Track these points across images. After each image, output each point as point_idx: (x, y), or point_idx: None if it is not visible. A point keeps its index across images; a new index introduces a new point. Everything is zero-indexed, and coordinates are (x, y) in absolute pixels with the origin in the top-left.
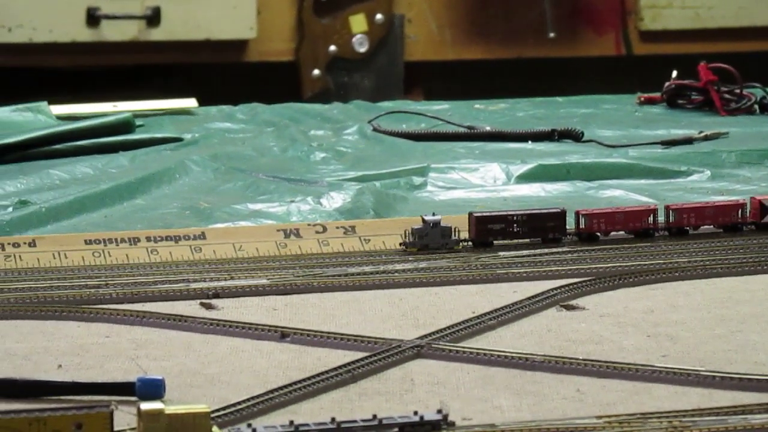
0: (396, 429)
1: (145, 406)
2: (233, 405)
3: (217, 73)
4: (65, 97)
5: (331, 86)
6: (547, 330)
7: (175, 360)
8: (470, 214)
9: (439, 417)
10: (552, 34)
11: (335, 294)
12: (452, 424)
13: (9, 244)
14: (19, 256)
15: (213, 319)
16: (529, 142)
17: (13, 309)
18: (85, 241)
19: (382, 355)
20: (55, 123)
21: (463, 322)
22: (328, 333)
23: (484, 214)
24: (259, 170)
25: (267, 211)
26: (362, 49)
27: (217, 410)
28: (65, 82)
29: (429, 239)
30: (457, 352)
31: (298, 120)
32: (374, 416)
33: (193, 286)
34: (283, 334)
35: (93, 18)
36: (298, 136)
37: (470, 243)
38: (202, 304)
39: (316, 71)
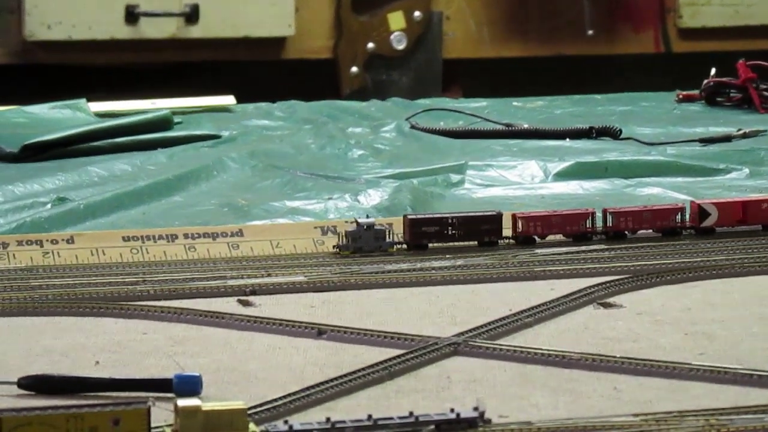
0: (432, 426)
1: (182, 402)
2: (270, 402)
3: (256, 70)
4: (104, 94)
5: (369, 83)
6: (584, 328)
7: (212, 357)
8: (405, 216)
9: (475, 414)
10: (590, 32)
11: (372, 291)
12: (489, 421)
13: (47, 240)
14: (58, 253)
15: (250, 316)
16: (567, 139)
17: (51, 305)
18: (123, 237)
19: (418, 353)
20: (94, 120)
21: (500, 319)
22: (365, 330)
23: (418, 216)
24: (296, 167)
25: (304, 208)
26: (400, 47)
27: (254, 407)
28: (104, 79)
29: (363, 242)
30: (494, 349)
31: (336, 117)
32: (411, 413)
33: (231, 283)
34: (320, 331)
35: (132, 15)
36: (335, 134)
37: (404, 246)
38: (239, 301)
39: (355, 68)
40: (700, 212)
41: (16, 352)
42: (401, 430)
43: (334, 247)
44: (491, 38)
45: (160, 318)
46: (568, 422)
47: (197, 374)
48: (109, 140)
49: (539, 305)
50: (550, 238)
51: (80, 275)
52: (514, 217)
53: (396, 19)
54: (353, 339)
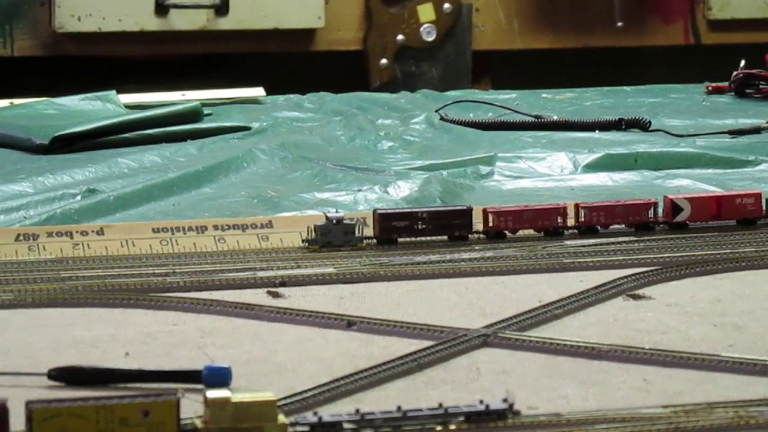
0: (462, 418)
1: (212, 394)
2: (299, 393)
3: (285, 62)
4: (134, 86)
5: (399, 75)
6: (614, 319)
7: (241, 348)
8: (374, 211)
9: (504, 406)
10: (620, 23)
11: (402, 283)
12: (518, 413)
13: (77, 232)
14: (88, 245)
15: (280, 308)
16: (597, 131)
17: (81, 297)
18: (153, 229)
19: (448, 344)
20: (124, 112)
21: (529, 311)
22: (395, 322)
23: (388, 211)
24: (326, 159)
25: (334, 200)
26: (430, 39)
27: (283, 398)
28: (134, 71)
29: (332, 236)
30: (524, 341)
31: (365, 109)
32: (440, 405)
33: (260, 274)
34: (349, 323)
35: (162, 7)
36: (365, 125)
37: (374, 240)
38: (269, 292)
39: (384, 60)
40: (673, 207)
41: (46, 344)
42: (431, 422)
43: (303, 241)
44: (521, 30)
45: (189, 309)
46: (598, 414)
47: (227, 366)
48: (139, 132)
49: (568, 297)
50: (522, 233)
51: (110, 267)
52: (485, 212)
53: (426, 11)
54: (383, 330)
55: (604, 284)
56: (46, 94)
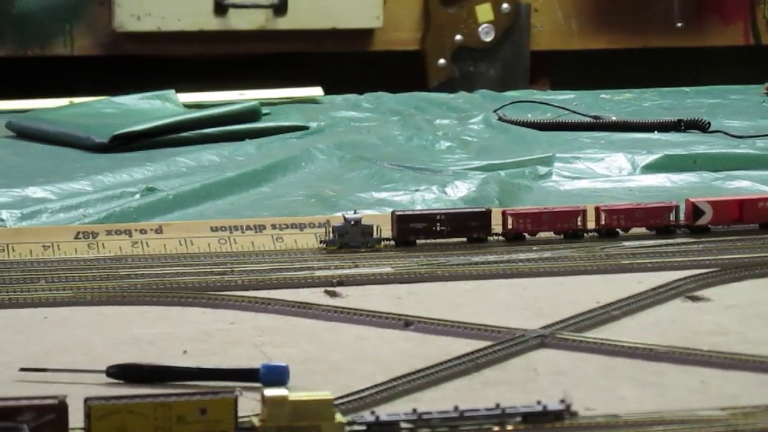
0: (519, 418)
1: (269, 392)
2: (356, 392)
3: (343, 61)
4: (193, 85)
5: (457, 75)
6: (672, 321)
7: (299, 347)
8: (393, 212)
9: (562, 407)
10: (679, 24)
11: (459, 283)
12: (575, 414)
13: (136, 230)
14: (146, 243)
15: (337, 307)
16: (655, 132)
17: (140, 295)
18: (211, 228)
19: (505, 345)
20: (183, 111)
21: (586, 312)
22: (452, 322)
23: (406, 213)
24: (384, 159)
25: (391, 199)
26: (488, 39)
27: (340, 397)
28: (193, 70)
29: (349, 238)
30: (581, 342)
31: (423, 109)
32: (497, 405)
33: (318, 273)
34: (406, 323)
35: (220, 7)
36: (423, 125)
37: (392, 242)
38: (326, 291)
39: (442, 60)
40: (695, 210)
41: (105, 341)
42: (488, 422)
43: (320, 242)
44: (579, 30)
45: (247, 308)
46: (655, 415)
47: (284, 364)
48: (198, 131)
49: (626, 298)
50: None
51: (168, 265)
52: (504, 214)
53: (484, 11)
54: (440, 330)
55: (662, 286)
56: (105, 94)
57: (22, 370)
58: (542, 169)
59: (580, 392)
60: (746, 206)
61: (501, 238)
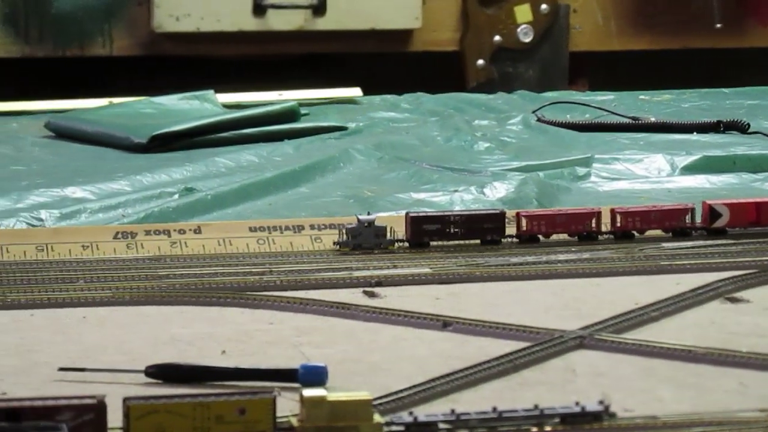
0: (557, 419)
1: (308, 392)
2: (395, 393)
3: (382, 62)
4: (231, 85)
5: (495, 76)
6: (710, 322)
7: (337, 347)
8: (406, 214)
9: (600, 408)
10: (718, 25)
11: (497, 284)
12: (613, 415)
13: (175, 230)
14: (185, 243)
15: (375, 308)
16: (695, 133)
17: (179, 295)
18: (250, 228)
19: (543, 346)
20: (222, 111)
21: (625, 313)
22: (490, 322)
23: (420, 214)
24: (422, 160)
25: (430, 200)
26: (527, 40)
27: (379, 398)
28: (231, 70)
29: (362, 239)
30: (620, 343)
31: (461, 110)
32: (535, 406)
33: (356, 274)
34: (445, 323)
35: (259, 8)
36: (461, 126)
37: (406, 243)
38: (364, 292)
39: (481, 61)
40: (711, 213)
41: (144, 341)
42: (526, 423)
43: (334, 243)
44: (618, 31)
45: (285, 308)
46: (694, 417)
47: (323, 365)
48: (237, 131)
49: (665, 299)
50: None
51: (207, 265)
52: (518, 216)
53: (523, 12)
54: (478, 331)
55: (701, 287)
56: (144, 94)
57: (61, 369)
58: (581, 170)
59: (619, 393)
60: (763, 209)
61: (515, 240)
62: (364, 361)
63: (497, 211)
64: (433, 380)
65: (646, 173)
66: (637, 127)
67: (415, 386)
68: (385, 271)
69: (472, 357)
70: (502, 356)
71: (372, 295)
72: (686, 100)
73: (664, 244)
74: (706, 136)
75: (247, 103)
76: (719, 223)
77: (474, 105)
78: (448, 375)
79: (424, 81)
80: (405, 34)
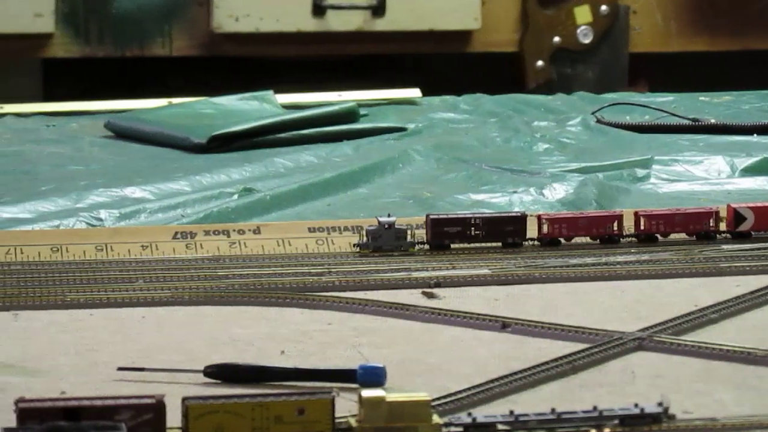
0: (616, 421)
1: (367, 393)
2: (453, 394)
3: (441, 63)
4: (290, 86)
5: (555, 77)
6: None
7: (396, 348)
8: (427, 216)
9: (659, 410)
10: None
11: (556, 285)
12: (673, 417)
13: (234, 231)
14: (244, 243)
15: (434, 308)
16: (755, 135)
17: (238, 295)
18: (309, 228)
19: (603, 347)
20: (281, 112)
21: (684, 315)
22: (549, 324)
23: (441, 216)
24: (481, 161)
25: (489, 201)
26: (587, 41)
27: (437, 399)
28: (291, 71)
29: (383, 241)
30: (679, 345)
31: (521, 111)
32: (594, 407)
33: (415, 275)
34: (504, 324)
35: (319, 8)
36: (521, 127)
37: (427, 245)
38: (423, 293)
39: (540, 62)
40: (736, 216)
41: (203, 341)
42: (585, 425)
43: (354, 245)
44: (678, 32)
45: (344, 309)
46: (753, 419)
47: (381, 365)
48: (296, 132)
49: (724, 301)
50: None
51: (266, 265)
52: (540, 219)
53: (582, 13)
54: (537, 332)
55: (761, 289)
56: (203, 94)
57: (120, 369)
58: (640, 172)
59: (678, 395)
60: None
61: (536, 243)
62: (423, 361)
63: (518, 214)
64: (491, 381)
65: (706, 175)
66: (697, 128)
67: (473, 387)
68: (444, 272)
69: (530, 358)
70: (560, 357)
71: (431, 295)
72: (746, 102)
73: (724, 246)
74: (767, 137)
75: (307, 104)
76: (744, 227)
77: (533, 106)
78: (506, 376)
79: (483, 82)
80: (464, 35)
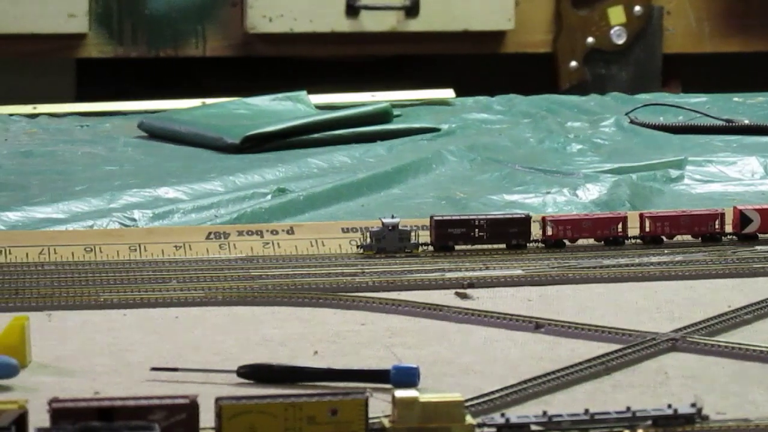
0: (649, 421)
1: (400, 393)
2: (486, 394)
3: (475, 63)
4: (324, 86)
5: (588, 78)
6: None
7: (429, 348)
8: (431, 217)
9: (693, 410)
10: None
11: (590, 286)
12: (706, 417)
13: (268, 231)
14: (278, 243)
15: (467, 309)
16: None
17: (271, 295)
18: (342, 229)
19: (636, 348)
20: (314, 112)
21: (718, 315)
22: (583, 324)
23: (445, 217)
24: (515, 161)
25: (522, 202)
26: (620, 41)
27: (471, 399)
28: (324, 71)
29: (386, 242)
30: (712, 345)
31: (554, 111)
32: (628, 408)
33: (449, 275)
34: (537, 325)
35: (352, 9)
36: (554, 128)
37: (431, 247)
38: (457, 293)
39: (574, 63)
40: (742, 218)
41: (236, 342)
42: (618, 425)
43: (357, 246)
44: (711, 33)
45: (378, 309)
46: None
47: (415, 366)
48: (329, 132)
49: (759, 302)
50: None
51: (299, 266)
52: (544, 220)
53: (616, 14)
54: (570, 333)
55: None
56: (237, 94)
57: (154, 369)
58: (674, 173)
59: (711, 396)
60: None
61: (541, 244)
62: (456, 362)
63: (522, 216)
64: (525, 382)
65: (740, 176)
66: (730, 129)
67: (507, 388)
68: (477, 273)
69: (564, 359)
70: (594, 358)
71: (464, 296)
72: None
73: (758, 247)
74: None
75: (340, 104)
76: (750, 229)
77: (566, 107)
78: (540, 377)
79: (517, 82)
80: (498, 36)
